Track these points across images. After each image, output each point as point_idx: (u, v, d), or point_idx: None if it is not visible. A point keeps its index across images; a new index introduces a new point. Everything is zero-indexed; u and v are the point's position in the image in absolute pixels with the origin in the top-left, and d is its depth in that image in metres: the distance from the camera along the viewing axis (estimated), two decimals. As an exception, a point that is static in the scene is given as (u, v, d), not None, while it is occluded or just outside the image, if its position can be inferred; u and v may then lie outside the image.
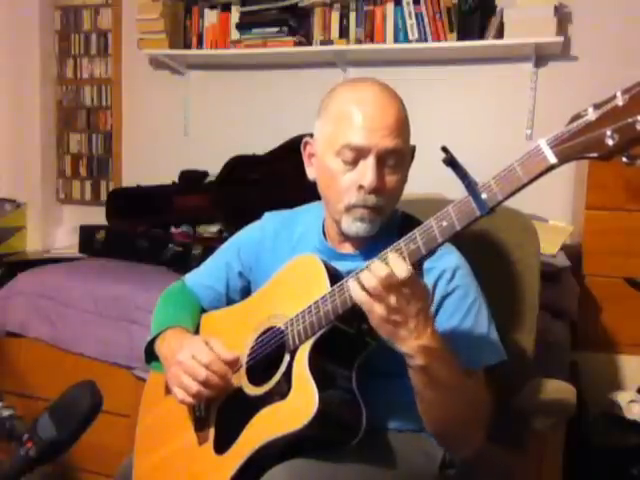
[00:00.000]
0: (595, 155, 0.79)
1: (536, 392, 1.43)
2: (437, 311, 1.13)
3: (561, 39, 2.40)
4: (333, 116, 1.13)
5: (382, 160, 1.10)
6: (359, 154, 1.09)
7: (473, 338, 1.13)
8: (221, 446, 1.11)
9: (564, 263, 2.05)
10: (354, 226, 1.13)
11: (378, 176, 1.09)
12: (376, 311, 0.93)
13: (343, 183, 1.11)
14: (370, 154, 1.09)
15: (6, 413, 1.09)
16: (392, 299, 0.92)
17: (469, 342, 1.12)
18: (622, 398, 2.03)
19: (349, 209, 1.12)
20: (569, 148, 0.80)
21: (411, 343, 0.95)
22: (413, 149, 1.18)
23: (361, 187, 1.09)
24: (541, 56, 2.55)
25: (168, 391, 1.25)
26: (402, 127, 1.11)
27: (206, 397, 1.13)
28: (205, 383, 1.10)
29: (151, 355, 1.28)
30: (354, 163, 1.10)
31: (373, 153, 1.08)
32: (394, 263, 0.91)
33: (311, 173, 1.21)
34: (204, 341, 1.16)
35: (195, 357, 1.11)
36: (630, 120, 0.76)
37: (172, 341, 1.21)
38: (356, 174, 1.10)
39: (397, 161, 1.11)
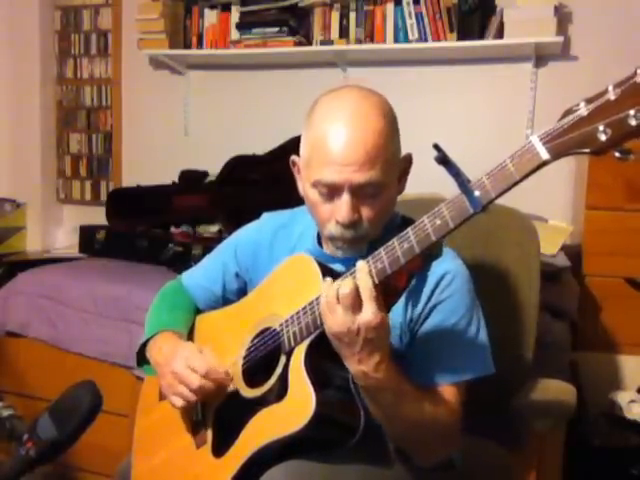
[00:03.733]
0: (588, 150, 0.79)
1: (536, 392, 1.43)
2: (428, 315, 1.12)
3: (561, 39, 2.40)
4: (310, 140, 1.10)
5: (357, 193, 1.06)
6: (332, 190, 1.07)
7: (459, 350, 1.11)
8: (219, 449, 1.11)
9: (564, 263, 2.05)
10: (338, 252, 1.13)
11: (352, 211, 1.06)
12: (326, 321, 0.96)
13: (322, 214, 1.10)
14: (343, 190, 1.05)
15: (6, 413, 1.09)
16: (340, 316, 0.93)
17: (453, 353, 1.10)
18: (622, 398, 2.03)
19: (330, 239, 1.12)
20: (561, 144, 0.80)
21: (353, 364, 0.97)
22: (408, 158, 1.15)
23: (338, 221, 1.08)
24: (541, 56, 2.54)
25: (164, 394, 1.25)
26: (378, 155, 1.05)
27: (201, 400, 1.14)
28: (199, 391, 1.11)
29: (143, 357, 1.27)
30: (330, 197, 1.08)
31: (346, 189, 1.05)
32: (360, 281, 0.93)
33: (301, 190, 1.19)
34: (198, 349, 1.16)
35: (190, 366, 1.12)
36: (622, 114, 0.76)
37: (164, 346, 1.21)
38: (332, 207, 1.08)
39: (375, 190, 1.07)
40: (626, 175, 2.10)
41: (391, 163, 1.09)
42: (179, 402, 1.13)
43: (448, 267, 1.12)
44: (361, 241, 1.10)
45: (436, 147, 0.87)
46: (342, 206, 1.06)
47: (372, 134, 1.05)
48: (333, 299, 0.94)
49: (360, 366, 0.96)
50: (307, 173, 1.11)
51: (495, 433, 1.34)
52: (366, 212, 1.08)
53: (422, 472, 1.12)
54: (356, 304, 0.93)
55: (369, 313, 0.93)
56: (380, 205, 1.09)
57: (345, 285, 0.93)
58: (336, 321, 0.94)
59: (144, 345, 1.27)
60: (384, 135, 1.06)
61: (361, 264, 0.95)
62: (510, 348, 1.35)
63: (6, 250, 3.08)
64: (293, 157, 1.19)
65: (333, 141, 1.05)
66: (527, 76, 2.58)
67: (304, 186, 1.14)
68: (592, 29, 2.49)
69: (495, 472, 1.34)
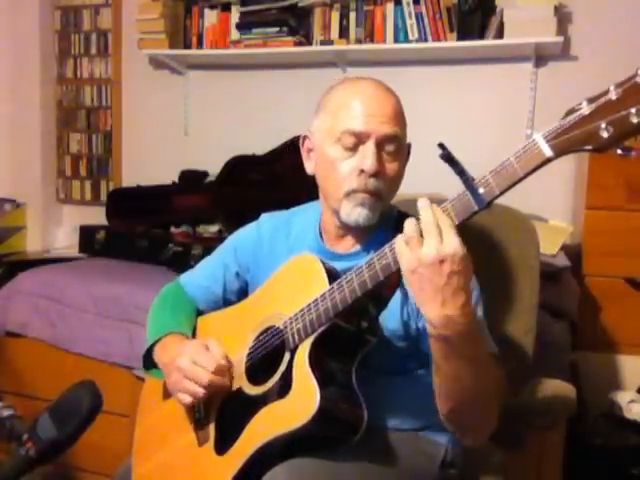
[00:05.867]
0: (590, 148, 0.81)
1: (536, 392, 1.43)
2: None
3: (561, 39, 2.40)
4: (332, 109, 1.16)
5: (381, 146, 1.12)
6: (359, 139, 1.11)
7: None
8: (222, 446, 1.11)
9: (564, 263, 2.05)
10: (354, 213, 1.13)
11: (378, 160, 1.11)
12: (405, 255, 0.89)
13: (343, 169, 1.13)
14: (369, 139, 1.11)
15: (6, 413, 1.08)
16: (425, 245, 0.87)
17: None
18: (622, 398, 2.03)
19: (349, 194, 1.13)
20: (564, 141, 0.82)
21: (435, 309, 0.89)
22: (409, 146, 1.20)
23: (362, 172, 1.11)
24: (541, 56, 2.55)
25: (166, 394, 1.25)
26: (399, 117, 1.15)
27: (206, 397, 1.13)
28: (208, 387, 1.11)
29: (149, 361, 1.27)
30: (354, 149, 1.12)
31: (372, 138, 1.11)
32: (440, 214, 0.89)
33: (310, 167, 1.23)
34: (203, 345, 1.16)
35: (197, 363, 1.11)
36: (624, 113, 0.78)
37: (171, 348, 1.21)
38: (356, 160, 1.12)
39: (395, 148, 1.13)
40: (626, 175, 2.10)
41: (405, 135, 1.17)
42: (186, 399, 1.13)
43: None
44: (378, 199, 1.13)
45: (441, 146, 0.88)
46: (368, 154, 1.10)
47: (393, 99, 1.16)
48: (414, 232, 0.89)
49: (444, 309, 0.88)
50: (329, 134, 1.14)
51: (495, 433, 1.34)
52: (387, 168, 1.13)
53: (423, 472, 1.13)
54: (439, 233, 0.87)
55: (455, 242, 0.87)
56: (396, 166, 1.14)
57: (426, 214, 0.89)
58: (421, 251, 0.87)
59: (150, 349, 1.27)
60: (401, 107, 1.17)
61: (422, 202, 0.90)
62: (510, 348, 1.35)
63: (6, 250, 3.08)
64: (305, 133, 1.23)
65: (360, 99, 1.13)
66: (527, 76, 2.58)
67: (322, 152, 1.17)
68: (592, 29, 2.49)
69: (495, 472, 1.34)
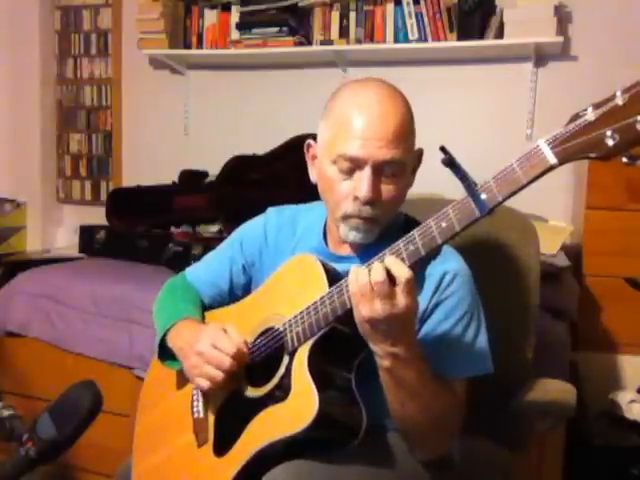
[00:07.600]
0: (595, 155, 0.79)
1: (536, 392, 1.43)
2: (430, 315, 1.12)
3: (561, 39, 2.40)
4: (333, 121, 1.11)
5: (379, 170, 1.07)
6: (355, 164, 1.07)
7: (458, 348, 1.11)
8: (221, 448, 1.11)
9: (564, 263, 2.05)
10: (350, 234, 1.12)
11: (374, 187, 1.06)
12: (360, 310, 0.94)
13: (339, 191, 1.10)
14: (366, 165, 1.06)
15: (6, 413, 1.08)
16: (378, 305, 0.92)
17: (453, 352, 1.11)
18: (622, 398, 2.03)
19: (345, 218, 1.11)
20: (569, 148, 0.80)
21: (384, 347, 0.96)
22: (420, 153, 1.16)
23: (357, 198, 1.08)
24: (541, 56, 2.55)
25: (165, 392, 1.25)
26: (402, 136, 1.07)
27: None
28: (229, 372, 1.09)
29: (163, 350, 1.25)
30: (350, 172, 1.08)
31: (369, 164, 1.06)
32: (396, 268, 0.91)
33: (313, 175, 1.20)
34: (222, 329, 1.14)
35: (217, 347, 1.10)
36: (630, 120, 0.76)
37: (186, 332, 1.19)
38: (352, 184, 1.08)
39: (395, 171, 1.08)
40: (626, 175, 2.10)
41: (410, 149, 1.12)
42: (205, 383, 1.12)
43: (448, 267, 1.12)
44: (375, 223, 1.11)
45: (443, 150, 0.87)
46: (363, 181, 1.06)
47: (398, 115, 1.08)
48: (367, 287, 0.92)
49: (393, 348, 0.96)
50: (328, 151, 1.11)
51: (495, 433, 1.34)
52: (384, 193, 1.09)
53: (423, 472, 1.13)
54: (392, 292, 0.92)
55: (408, 300, 0.92)
56: (397, 189, 1.10)
57: (377, 272, 0.92)
58: (375, 309, 0.92)
59: (162, 337, 1.24)
60: (408, 120, 1.10)
61: (391, 259, 0.94)
62: (510, 348, 1.35)
63: (6, 250, 3.08)
64: (309, 141, 1.20)
65: (360, 117, 1.07)
66: (527, 76, 2.58)
67: (321, 166, 1.14)
68: (592, 29, 2.49)
69: (495, 472, 1.34)
